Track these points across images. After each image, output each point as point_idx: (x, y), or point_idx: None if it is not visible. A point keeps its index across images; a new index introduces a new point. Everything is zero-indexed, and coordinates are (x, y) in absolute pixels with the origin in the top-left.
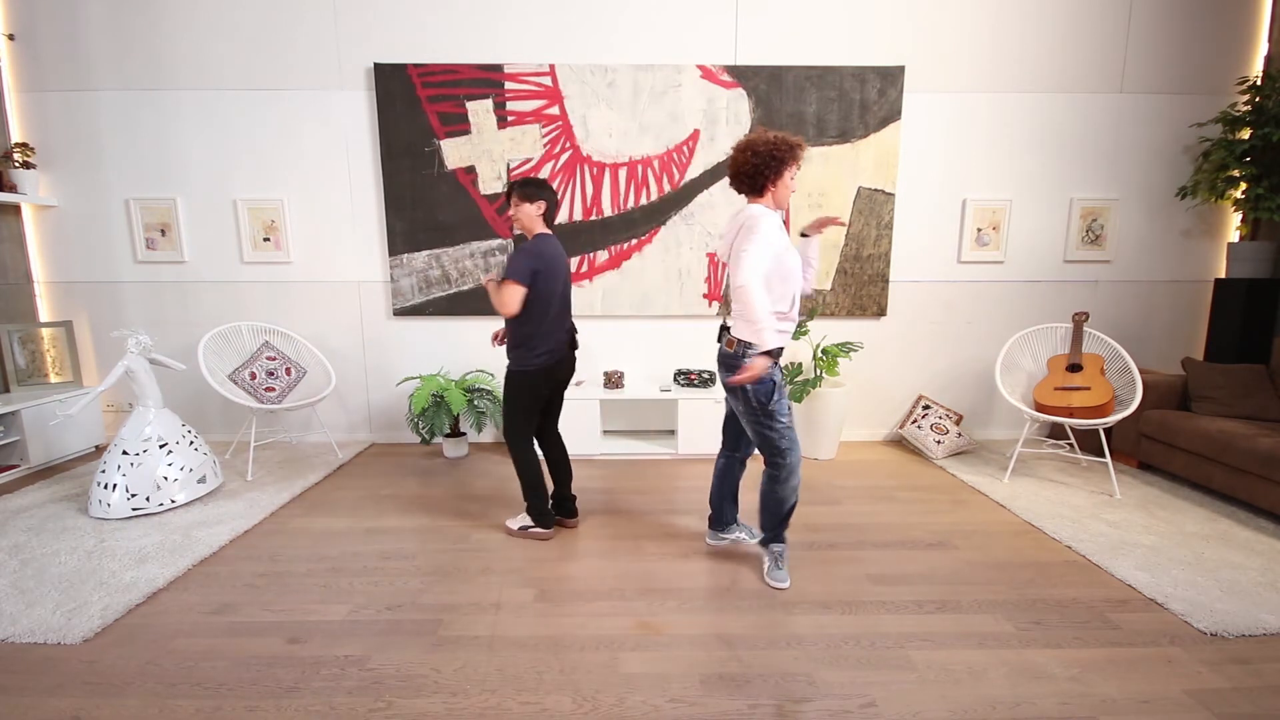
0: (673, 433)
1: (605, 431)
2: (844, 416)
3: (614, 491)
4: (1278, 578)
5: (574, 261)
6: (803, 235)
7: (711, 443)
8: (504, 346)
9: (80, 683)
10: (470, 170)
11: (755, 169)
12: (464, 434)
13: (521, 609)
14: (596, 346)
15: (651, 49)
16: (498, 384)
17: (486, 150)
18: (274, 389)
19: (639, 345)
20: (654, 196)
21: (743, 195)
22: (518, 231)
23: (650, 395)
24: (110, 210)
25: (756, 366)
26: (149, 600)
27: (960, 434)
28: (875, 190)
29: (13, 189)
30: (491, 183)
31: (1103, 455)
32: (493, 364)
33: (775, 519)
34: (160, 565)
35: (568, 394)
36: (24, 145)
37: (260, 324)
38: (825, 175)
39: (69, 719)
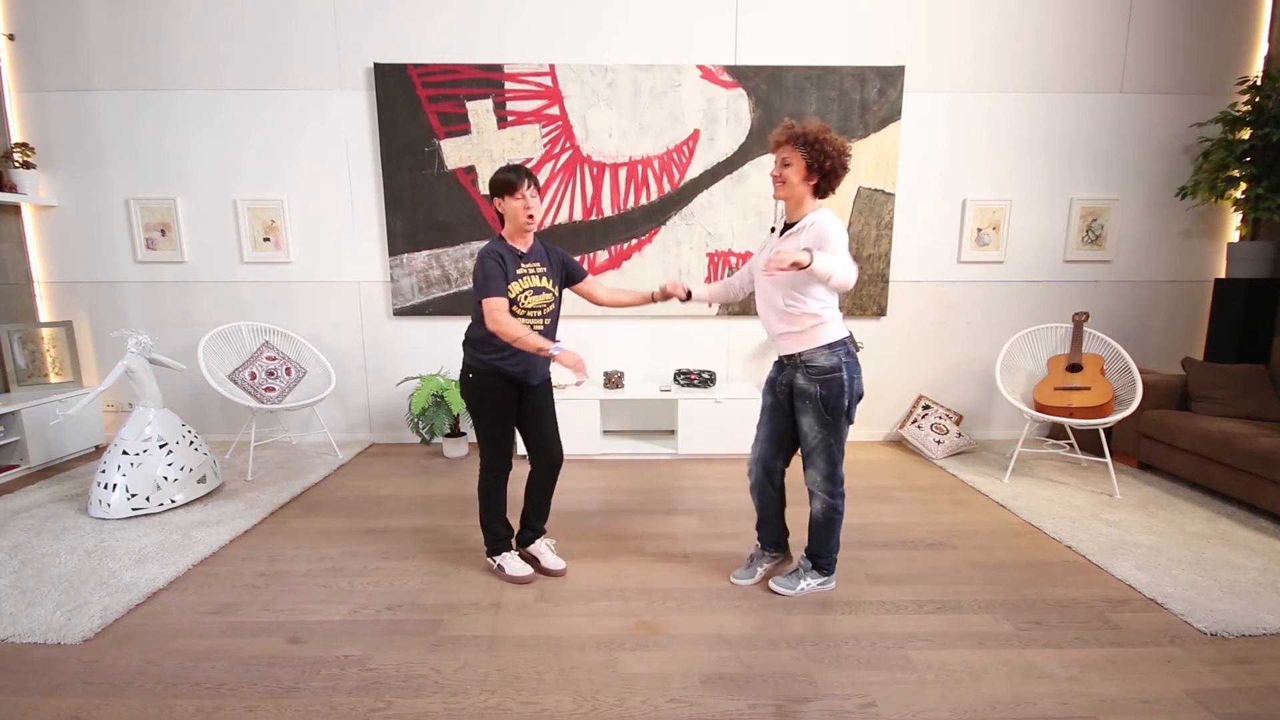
0: (673, 433)
1: (605, 431)
2: None
3: (614, 491)
4: (1278, 578)
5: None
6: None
7: (711, 442)
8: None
9: (80, 683)
10: (470, 170)
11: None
12: (464, 434)
13: (521, 609)
14: (596, 346)
15: (651, 49)
16: None
17: (486, 150)
18: (274, 389)
19: (639, 345)
20: (654, 197)
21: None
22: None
23: (650, 395)
24: (110, 210)
25: None
26: (149, 600)
27: (960, 434)
28: (875, 190)
29: (13, 189)
30: None
31: (1103, 455)
32: None
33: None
34: (160, 565)
35: (568, 394)
36: (24, 145)
37: (260, 324)
38: None
39: (69, 719)
